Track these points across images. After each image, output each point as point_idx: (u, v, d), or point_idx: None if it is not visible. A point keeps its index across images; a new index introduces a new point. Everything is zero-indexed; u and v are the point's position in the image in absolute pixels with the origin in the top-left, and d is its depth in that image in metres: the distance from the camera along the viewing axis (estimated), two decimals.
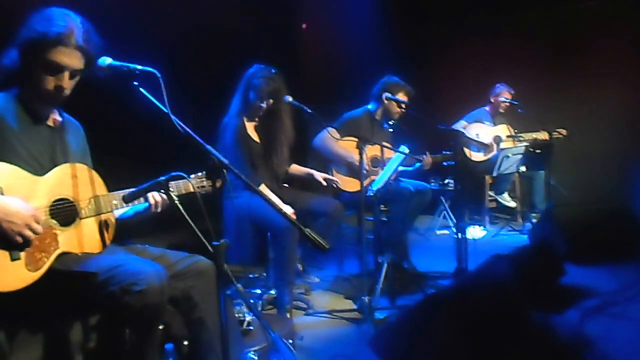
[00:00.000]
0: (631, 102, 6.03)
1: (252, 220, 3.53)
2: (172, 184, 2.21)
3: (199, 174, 2.38)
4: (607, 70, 6.22)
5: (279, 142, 3.76)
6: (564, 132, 5.65)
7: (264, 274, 3.72)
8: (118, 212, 2.34)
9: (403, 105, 4.29)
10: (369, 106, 4.43)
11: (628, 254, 4.34)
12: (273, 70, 3.66)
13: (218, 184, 2.26)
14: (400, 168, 4.14)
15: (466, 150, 5.86)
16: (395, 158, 3.91)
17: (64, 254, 2.08)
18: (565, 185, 5.92)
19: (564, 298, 3.56)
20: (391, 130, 4.42)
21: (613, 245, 4.38)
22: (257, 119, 3.77)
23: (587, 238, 4.44)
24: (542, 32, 6.63)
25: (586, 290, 3.72)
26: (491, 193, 6.08)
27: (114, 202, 2.19)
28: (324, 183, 3.91)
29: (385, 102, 4.30)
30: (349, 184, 4.19)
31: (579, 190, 5.88)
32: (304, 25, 6.55)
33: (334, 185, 4.06)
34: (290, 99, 3.62)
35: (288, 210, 3.50)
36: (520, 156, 5.51)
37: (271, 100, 3.63)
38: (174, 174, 2.03)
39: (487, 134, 5.96)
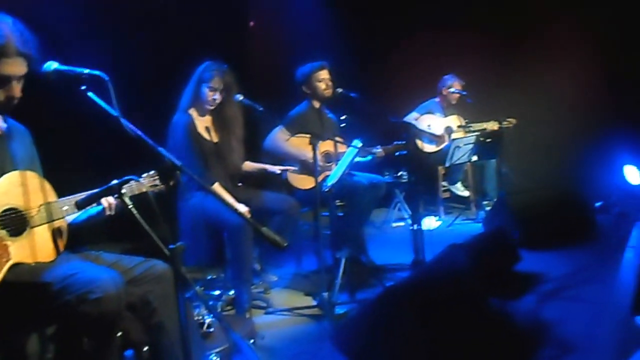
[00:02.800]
0: (576, 90, 6.20)
1: (206, 220, 3.52)
2: (125, 186, 2.18)
3: (150, 172, 2.36)
4: (553, 59, 6.40)
5: (233, 139, 3.76)
6: (513, 121, 5.84)
7: (222, 275, 3.72)
8: (70, 218, 2.31)
9: (327, 83, 4.31)
10: (309, 100, 4.42)
11: (579, 238, 4.51)
12: (225, 66, 3.67)
13: (171, 184, 2.25)
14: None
15: (418, 141, 5.96)
16: (348, 152, 3.93)
17: (16, 265, 2.05)
18: (516, 173, 6.07)
19: (520, 284, 3.67)
20: (343, 125, 4.45)
21: (564, 230, 4.54)
22: (210, 116, 3.75)
23: (539, 224, 4.59)
24: (490, 23, 6.72)
25: (541, 275, 3.84)
26: (444, 183, 6.20)
27: (66, 208, 2.16)
28: (278, 171, 3.93)
29: (309, 92, 4.35)
30: (304, 181, 4.21)
31: (530, 178, 6.04)
32: (251, 23, 6.52)
33: (289, 173, 4.10)
34: (241, 97, 3.63)
35: (243, 208, 3.50)
36: (471, 146, 5.62)
37: (224, 94, 3.61)
38: (126, 178, 2.02)
39: (438, 125, 6.07)
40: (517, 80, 6.51)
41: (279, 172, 3.95)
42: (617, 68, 6.22)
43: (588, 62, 6.21)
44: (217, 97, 3.63)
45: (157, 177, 2.32)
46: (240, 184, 3.91)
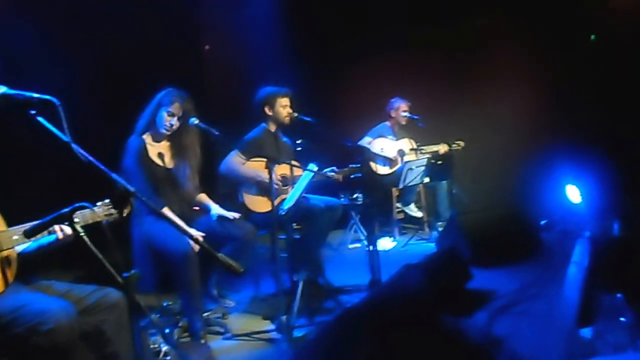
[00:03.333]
0: (521, 112, 6.39)
1: (152, 247, 3.44)
2: (78, 214, 2.12)
3: (105, 201, 2.30)
4: (498, 83, 6.58)
5: (187, 167, 3.70)
6: (461, 143, 5.97)
7: (178, 301, 3.63)
8: (20, 247, 2.23)
9: (289, 110, 4.31)
10: (265, 124, 4.41)
11: (525, 255, 4.61)
12: (186, 93, 3.64)
13: (125, 212, 2.20)
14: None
15: (372, 164, 6.01)
16: (304, 176, 3.94)
17: None
18: (466, 194, 6.18)
19: (472, 301, 3.71)
20: (299, 149, 4.45)
21: (512, 248, 4.63)
22: (167, 142, 3.70)
23: (488, 242, 4.67)
24: (439, 47, 6.92)
25: (492, 292, 3.89)
26: (398, 205, 6.24)
27: (15, 237, 2.08)
28: (215, 218, 3.79)
29: (270, 114, 4.33)
30: (260, 204, 4.19)
31: (479, 198, 6.14)
32: (206, 47, 6.50)
33: (245, 196, 4.06)
34: (196, 121, 3.59)
35: (196, 233, 3.45)
36: (423, 168, 5.70)
37: (181, 121, 3.57)
38: (77, 205, 1.96)
39: (391, 148, 6.14)
40: (465, 103, 6.72)
41: (214, 217, 3.80)
42: (561, 91, 6.45)
43: (532, 84, 6.44)
44: (174, 122, 3.58)
45: (111, 206, 2.26)
46: (196, 209, 3.86)
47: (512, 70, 6.49)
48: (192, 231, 3.44)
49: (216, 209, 3.81)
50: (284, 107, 4.33)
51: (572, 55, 6.46)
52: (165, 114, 3.56)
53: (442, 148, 6.02)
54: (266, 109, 4.34)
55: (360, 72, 6.61)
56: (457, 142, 5.92)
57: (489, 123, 6.61)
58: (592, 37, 6.72)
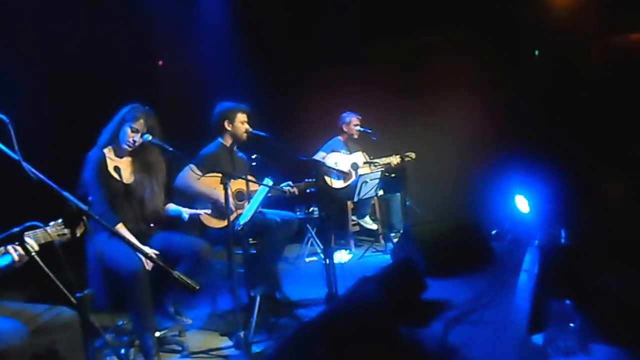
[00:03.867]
0: (471, 126, 6.55)
1: (105, 265, 3.35)
2: (29, 234, 2.06)
3: (58, 221, 2.24)
4: (449, 97, 6.74)
5: (154, 183, 3.66)
6: (412, 155, 6.05)
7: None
8: None
9: (247, 127, 4.33)
10: (220, 139, 4.40)
11: (478, 264, 4.71)
12: (150, 110, 3.61)
13: (78, 232, 2.15)
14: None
15: (327, 178, 6.03)
16: (260, 191, 3.93)
17: None
18: (420, 205, 6.26)
19: (428, 311, 3.76)
20: (254, 164, 4.44)
21: (465, 258, 4.72)
22: (129, 157, 3.65)
23: (442, 253, 4.75)
24: (390, 62, 7.05)
25: (446, 302, 3.96)
26: (354, 217, 6.28)
27: None
28: (187, 217, 3.77)
29: (229, 129, 4.33)
30: (216, 220, 4.15)
31: (432, 209, 6.26)
32: (159, 62, 6.44)
33: (203, 213, 4.02)
34: (149, 137, 3.54)
35: (150, 251, 3.39)
36: (377, 181, 5.75)
37: (146, 136, 3.52)
38: (28, 224, 1.91)
39: (345, 162, 6.17)
40: (416, 117, 6.87)
41: (186, 217, 3.78)
42: (509, 104, 6.65)
43: (482, 98, 6.62)
44: (137, 139, 3.53)
45: (63, 226, 2.21)
46: (152, 225, 3.79)
47: (462, 85, 6.65)
48: (146, 249, 3.38)
49: (186, 210, 3.78)
50: (242, 123, 4.34)
51: (519, 70, 6.65)
52: (128, 130, 3.52)
53: (395, 160, 6.09)
54: (226, 124, 4.34)
55: (313, 87, 6.66)
56: (409, 154, 6.00)
57: (440, 136, 6.78)
58: (536, 52, 6.95)
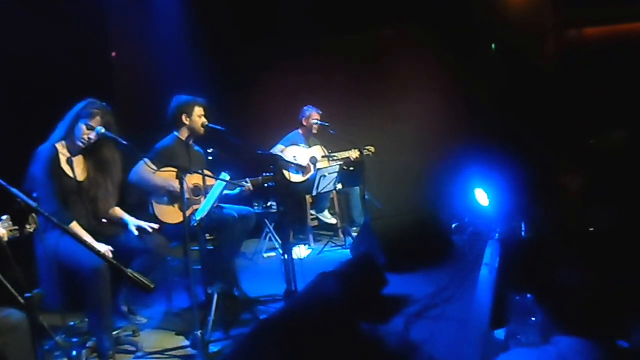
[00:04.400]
0: (430, 119, 6.64)
1: (60, 263, 3.28)
2: None
3: (4, 217, 2.17)
4: (407, 90, 6.82)
5: (108, 181, 3.59)
6: (372, 149, 6.10)
7: (86, 320, 3.46)
8: None
9: (204, 121, 4.30)
10: (176, 133, 4.35)
11: (439, 258, 4.77)
12: (108, 106, 3.52)
13: (29, 229, 2.07)
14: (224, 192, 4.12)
15: (285, 172, 6.01)
16: (216, 186, 3.89)
17: None
18: (379, 199, 6.30)
19: (388, 307, 3.79)
20: (210, 158, 4.40)
21: (425, 252, 4.78)
22: (82, 154, 3.56)
23: (402, 247, 4.80)
24: (348, 56, 7.10)
25: (407, 297, 4.00)
26: (312, 212, 6.28)
27: None
28: (136, 233, 3.64)
29: (187, 122, 4.29)
30: (172, 215, 4.09)
31: (392, 203, 6.32)
32: (113, 53, 6.30)
33: (156, 206, 3.98)
34: (103, 130, 3.45)
35: (103, 249, 3.32)
36: (336, 175, 5.78)
37: (99, 129, 3.43)
38: None
39: (303, 156, 6.17)
40: (375, 110, 6.94)
41: (136, 233, 3.65)
42: (468, 97, 6.76)
43: (440, 91, 6.70)
44: (93, 136, 3.44)
45: (11, 223, 2.13)
46: (104, 221, 3.71)
47: (420, 78, 6.71)
48: (100, 246, 3.30)
49: (133, 221, 3.70)
50: (200, 117, 4.31)
51: (476, 63, 6.76)
52: (84, 127, 3.43)
53: (354, 154, 6.12)
54: (183, 118, 4.29)
55: (271, 81, 6.66)
56: (368, 147, 6.04)
57: (399, 129, 6.86)
58: (493, 46, 7.08)
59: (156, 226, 3.75)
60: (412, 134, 6.77)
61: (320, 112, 6.31)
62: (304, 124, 6.31)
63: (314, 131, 6.29)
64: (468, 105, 6.74)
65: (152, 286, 1.91)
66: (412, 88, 6.78)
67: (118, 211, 3.75)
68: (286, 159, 5.95)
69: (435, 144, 6.64)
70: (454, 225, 5.84)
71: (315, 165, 6.16)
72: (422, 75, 6.70)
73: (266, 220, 5.90)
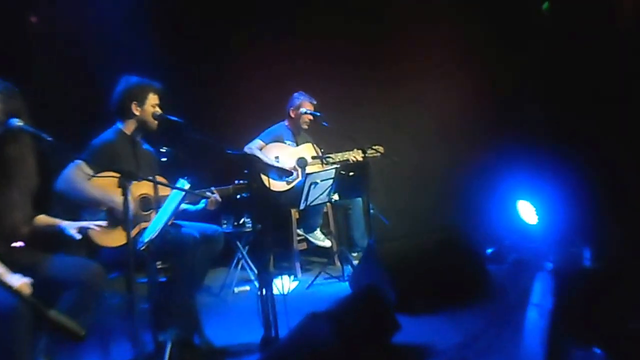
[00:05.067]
0: (454, 107, 6.69)
1: None
2: None
3: None
4: (425, 75, 6.83)
5: (14, 189, 3.50)
6: (380, 149, 6.06)
7: None
8: None
9: (157, 110, 4.33)
10: (119, 125, 4.37)
11: (469, 296, 4.71)
12: (10, 86, 3.44)
13: None
14: (182, 206, 4.12)
15: (264, 178, 5.97)
16: (172, 197, 3.87)
17: None
18: (388, 214, 6.32)
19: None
20: (164, 159, 4.40)
21: (450, 286, 4.73)
22: None
23: (419, 280, 4.75)
24: (350, 33, 7.04)
25: (426, 348, 3.96)
26: (300, 231, 6.25)
27: None
28: (78, 236, 3.68)
29: (137, 113, 4.32)
30: (111, 236, 4.05)
31: (405, 219, 6.34)
32: (32, 18, 6.26)
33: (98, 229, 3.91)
34: (19, 122, 3.38)
35: (18, 282, 3.22)
36: (331, 182, 5.71)
37: (13, 121, 3.36)
38: None
39: (289, 157, 6.14)
40: (384, 101, 6.88)
41: (79, 237, 3.68)
42: (508, 78, 6.65)
43: (470, 70, 6.70)
44: None
45: None
46: (18, 245, 3.65)
47: (443, 60, 6.75)
48: (14, 279, 3.23)
49: (70, 224, 3.70)
50: (153, 107, 4.34)
51: (520, 30, 6.68)
52: None
53: (355, 155, 6.11)
54: (133, 107, 4.32)
55: (250, 63, 6.67)
56: (375, 147, 6.01)
57: (416, 124, 6.90)
58: (545, 4, 6.99)
59: (104, 223, 3.79)
60: (432, 128, 6.82)
61: (314, 102, 6.29)
62: (292, 115, 6.30)
63: (304, 125, 6.27)
64: (508, 89, 6.68)
65: (82, 333, 1.92)
66: (433, 71, 6.80)
67: (42, 220, 3.74)
68: (266, 160, 5.94)
69: (463, 141, 6.66)
70: (489, 251, 5.83)
71: (304, 168, 6.14)
72: (446, 54, 6.73)
73: (238, 243, 5.91)
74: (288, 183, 6.13)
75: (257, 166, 5.44)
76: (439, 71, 6.77)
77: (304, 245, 6.33)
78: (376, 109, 6.92)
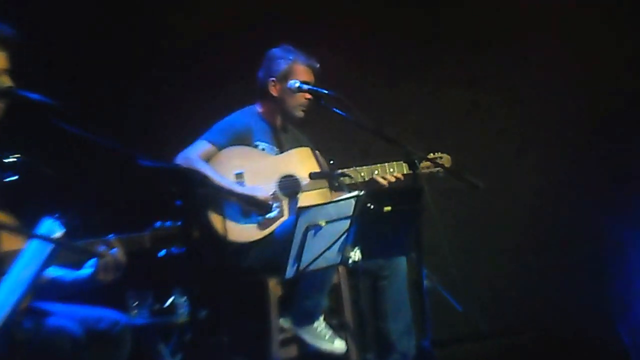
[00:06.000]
0: (562, 109, 7.18)
1: None
2: None
3: None
4: (520, 54, 7.57)
5: None
6: (446, 160, 6.14)
7: None
8: None
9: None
10: None
11: None
12: None
13: None
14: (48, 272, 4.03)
15: (215, 217, 5.79)
16: (27, 253, 3.73)
17: None
18: (457, 289, 6.28)
19: None
20: (10, 178, 4.25)
21: None
22: None
23: None
24: None
25: None
26: (285, 324, 6.12)
27: None
28: None
29: None
30: None
31: (488, 297, 6.28)
32: None
33: None
34: None
35: None
36: (347, 225, 5.51)
37: None
38: None
39: (263, 173, 5.99)
40: (449, 87, 7.48)
41: None
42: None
43: (582, 56, 7.35)
44: None
45: None
46: None
47: (547, 37, 7.41)
48: None
49: None
50: None
51: None
52: None
53: (397, 171, 6.03)
54: None
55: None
56: (434, 156, 6.07)
57: (505, 127, 7.26)
58: None
59: None
60: (534, 137, 7.19)
61: (316, 65, 6.19)
62: (272, 91, 6.15)
63: (297, 112, 6.14)
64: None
65: None
66: (534, 49, 7.41)
67: None
68: (217, 180, 5.72)
69: (582, 160, 7.00)
70: None
71: (292, 197, 5.96)
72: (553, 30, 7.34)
73: (159, 345, 5.83)
74: (261, 226, 5.91)
75: (201, 192, 5.28)
76: (544, 57, 7.48)
77: (293, 351, 6.14)
78: (438, 100, 7.33)
